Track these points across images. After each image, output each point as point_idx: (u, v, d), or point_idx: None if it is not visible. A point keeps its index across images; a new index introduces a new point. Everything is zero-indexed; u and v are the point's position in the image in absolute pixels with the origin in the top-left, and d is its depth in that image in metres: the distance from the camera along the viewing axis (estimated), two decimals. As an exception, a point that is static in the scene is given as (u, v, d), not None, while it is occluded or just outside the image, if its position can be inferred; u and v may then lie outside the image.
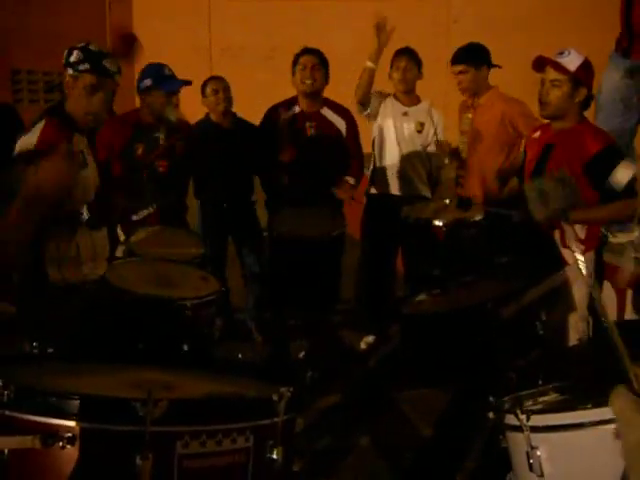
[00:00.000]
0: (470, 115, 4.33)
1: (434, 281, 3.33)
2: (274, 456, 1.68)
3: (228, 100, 4.67)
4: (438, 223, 3.71)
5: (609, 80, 4.04)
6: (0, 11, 8.00)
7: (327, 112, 4.53)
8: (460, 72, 4.27)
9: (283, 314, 4.32)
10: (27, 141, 2.83)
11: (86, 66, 2.90)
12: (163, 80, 4.12)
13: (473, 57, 4.27)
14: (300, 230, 3.96)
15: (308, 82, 4.38)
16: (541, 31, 8.47)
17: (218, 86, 4.66)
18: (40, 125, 2.85)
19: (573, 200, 3.01)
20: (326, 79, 4.46)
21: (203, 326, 2.96)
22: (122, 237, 3.79)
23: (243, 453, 1.67)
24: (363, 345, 4.71)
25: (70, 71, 2.92)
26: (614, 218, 3.36)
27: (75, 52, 2.92)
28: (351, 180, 4.54)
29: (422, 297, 3.12)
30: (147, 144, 4.13)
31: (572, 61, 3.21)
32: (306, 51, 4.47)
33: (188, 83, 4.20)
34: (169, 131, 4.19)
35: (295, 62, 4.46)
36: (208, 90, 4.67)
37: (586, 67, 3.26)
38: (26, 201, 2.35)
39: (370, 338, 4.71)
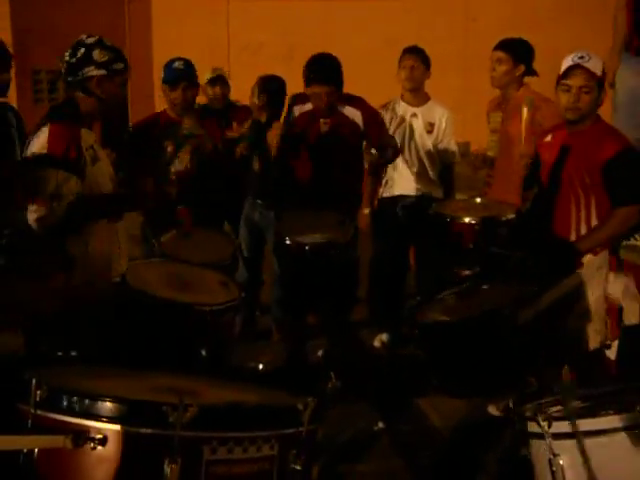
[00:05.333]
0: (500, 113, 4.19)
1: (457, 281, 3.30)
2: (297, 467, 1.70)
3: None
4: (469, 220, 3.67)
5: (623, 81, 4.02)
6: (20, 11, 8.07)
7: (342, 106, 4.18)
8: (497, 59, 4.10)
9: (300, 314, 4.32)
10: (38, 144, 2.85)
11: (120, 65, 2.98)
12: (166, 72, 4.11)
13: (516, 50, 4.08)
14: (304, 237, 3.66)
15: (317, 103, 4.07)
16: (559, 30, 8.43)
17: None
18: (45, 129, 2.86)
19: None
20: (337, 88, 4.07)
21: (221, 332, 2.93)
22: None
23: (268, 461, 1.69)
24: (377, 343, 4.71)
25: (103, 71, 2.93)
26: (623, 230, 3.23)
27: (99, 51, 2.94)
28: (366, 210, 4.44)
29: (438, 303, 3.08)
30: (176, 141, 4.12)
31: (596, 65, 3.19)
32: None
33: (184, 73, 4.07)
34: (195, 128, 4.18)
35: None
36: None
37: (604, 69, 3.27)
38: None
39: (384, 336, 4.70)
